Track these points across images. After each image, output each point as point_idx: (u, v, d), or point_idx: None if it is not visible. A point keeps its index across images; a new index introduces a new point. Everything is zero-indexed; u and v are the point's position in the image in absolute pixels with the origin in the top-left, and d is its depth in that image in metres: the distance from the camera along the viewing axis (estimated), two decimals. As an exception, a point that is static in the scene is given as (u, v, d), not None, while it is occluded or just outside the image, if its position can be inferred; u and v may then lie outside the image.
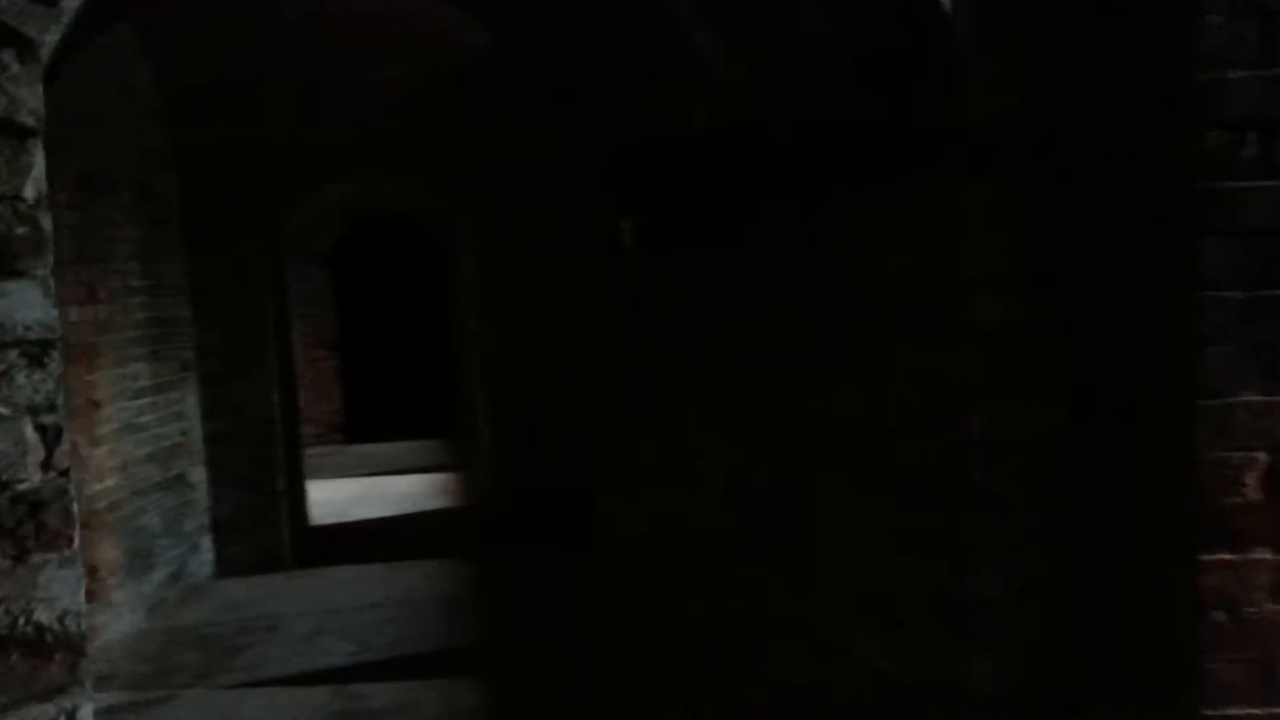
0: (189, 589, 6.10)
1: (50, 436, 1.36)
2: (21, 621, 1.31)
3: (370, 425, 11.31)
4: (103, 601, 5.09)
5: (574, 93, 3.62)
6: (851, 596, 2.92)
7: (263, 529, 6.51)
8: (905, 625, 2.68)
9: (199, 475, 6.31)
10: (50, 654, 1.33)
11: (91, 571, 5.02)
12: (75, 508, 1.39)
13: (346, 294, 11.43)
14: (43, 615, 1.33)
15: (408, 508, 8.16)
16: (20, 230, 1.32)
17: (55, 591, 1.34)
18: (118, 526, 5.34)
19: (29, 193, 1.32)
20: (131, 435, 5.56)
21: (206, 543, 6.32)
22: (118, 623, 5.23)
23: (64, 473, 1.38)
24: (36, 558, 1.33)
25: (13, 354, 1.33)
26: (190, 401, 6.26)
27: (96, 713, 4.29)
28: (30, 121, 1.32)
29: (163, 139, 6.13)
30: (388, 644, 5.22)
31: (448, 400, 11.07)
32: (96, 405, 5.19)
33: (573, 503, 6.53)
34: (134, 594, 5.47)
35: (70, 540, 1.36)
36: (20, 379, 1.34)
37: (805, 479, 3.11)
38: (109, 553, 5.22)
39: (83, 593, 1.37)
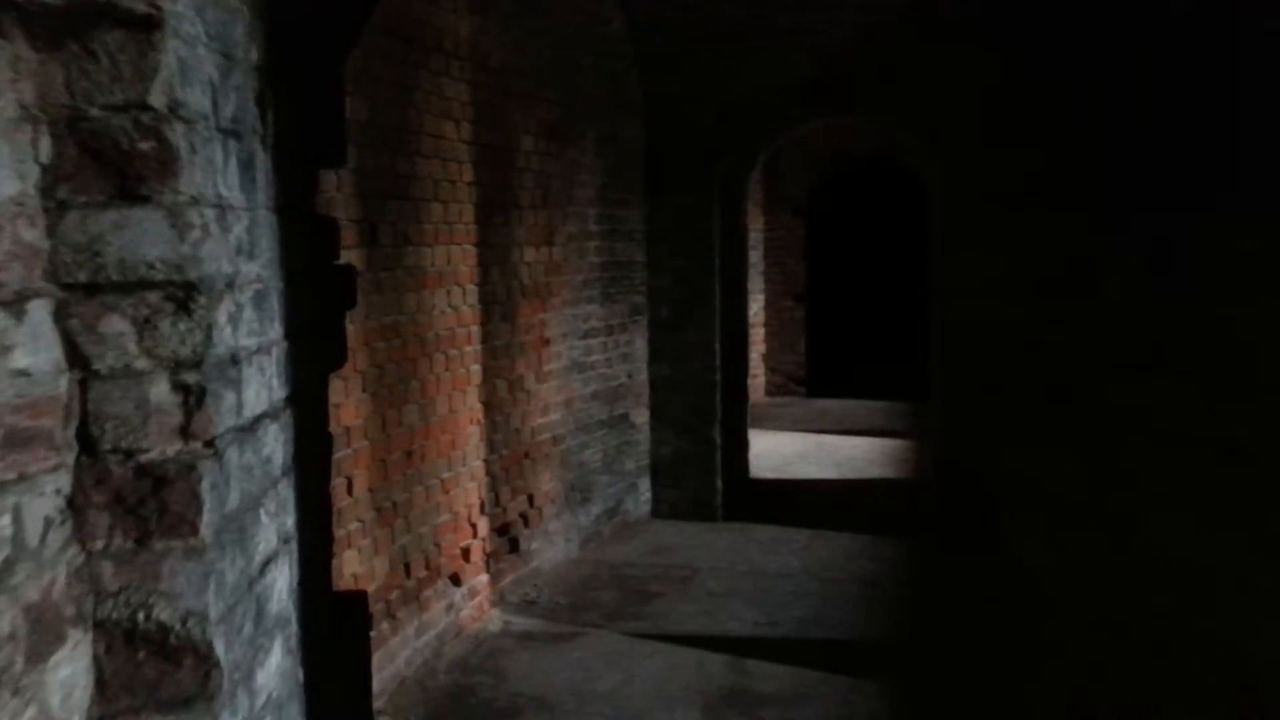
0: (623, 526, 6.31)
1: (193, 399, 1.14)
2: (142, 616, 1.12)
3: (832, 379, 11.00)
4: (538, 529, 5.40)
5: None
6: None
7: (698, 477, 6.52)
8: None
9: (642, 417, 6.46)
10: (178, 659, 1.12)
11: (530, 499, 5.34)
12: (206, 488, 1.15)
13: (820, 242, 11.14)
14: (163, 612, 1.13)
15: (848, 473, 7.71)
16: (144, 146, 1.09)
17: (178, 587, 1.12)
18: (559, 459, 5.62)
19: (157, 99, 1.08)
20: (579, 374, 5.80)
21: (645, 483, 6.48)
22: (551, 550, 5.53)
23: (209, 443, 1.14)
24: (159, 544, 1.13)
25: (155, 297, 1.12)
26: (639, 344, 6.41)
27: (518, 634, 4.47)
28: (151, 10, 1.07)
29: (632, 87, 6.24)
30: (794, 621, 4.88)
31: (915, 360, 10.35)
32: (546, 342, 5.47)
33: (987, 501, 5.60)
34: (570, 525, 5.75)
35: (195, 528, 1.13)
36: (165, 327, 1.12)
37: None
38: (548, 483, 5.51)
39: (210, 593, 1.14)
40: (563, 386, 5.64)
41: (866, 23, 5.86)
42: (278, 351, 1.53)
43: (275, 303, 1.52)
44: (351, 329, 3.75)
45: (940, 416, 6.23)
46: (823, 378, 11.12)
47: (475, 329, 4.79)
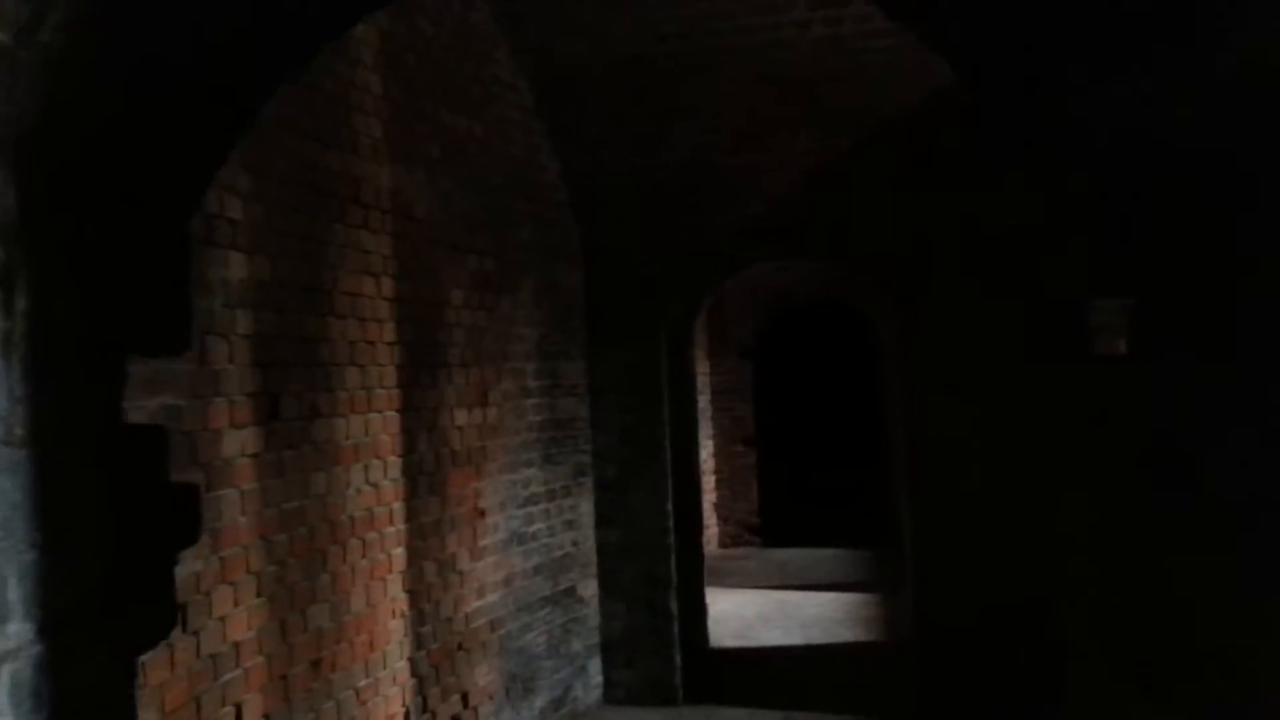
0: (571, 717, 5.59)
1: None
2: None
3: (789, 527, 10.47)
4: (474, 731, 4.70)
5: (1060, 127, 2.46)
6: None
7: (653, 653, 5.87)
8: None
9: (590, 589, 5.85)
10: None
11: (464, 698, 4.65)
12: None
13: (768, 384, 10.82)
14: None
15: (817, 635, 7.11)
16: None
17: None
18: (498, 647, 4.97)
19: None
20: (519, 546, 5.22)
21: (595, 665, 5.82)
22: (489, 755, 4.81)
23: None
24: None
25: None
26: (584, 509, 5.86)
27: None
28: None
29: (570, 233, 5.90)
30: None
31: (874, 505, 9.91)
32: (481, 514, 4.90)
33: (1024, 664, 5.07)
34: (511, 721, 5.04)
35: None
36: None
37: None
38: (485, 677, 4.84)
39: None
40: (501, 562, 5.04)
41: (812, 164, 5.65)
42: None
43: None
44: (243, 522, 3.17)
45: (918, 565, 5.72)
46: (778, 526, 10.58)
47: (398, 506, 4.22)
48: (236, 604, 3.12)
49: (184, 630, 2.83)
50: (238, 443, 3.18)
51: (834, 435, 10.60)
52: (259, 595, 3.26)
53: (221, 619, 3.03)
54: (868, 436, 10.28)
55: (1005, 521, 5.32)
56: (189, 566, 2.84)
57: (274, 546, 3.36)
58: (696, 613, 6.47)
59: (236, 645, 3.11)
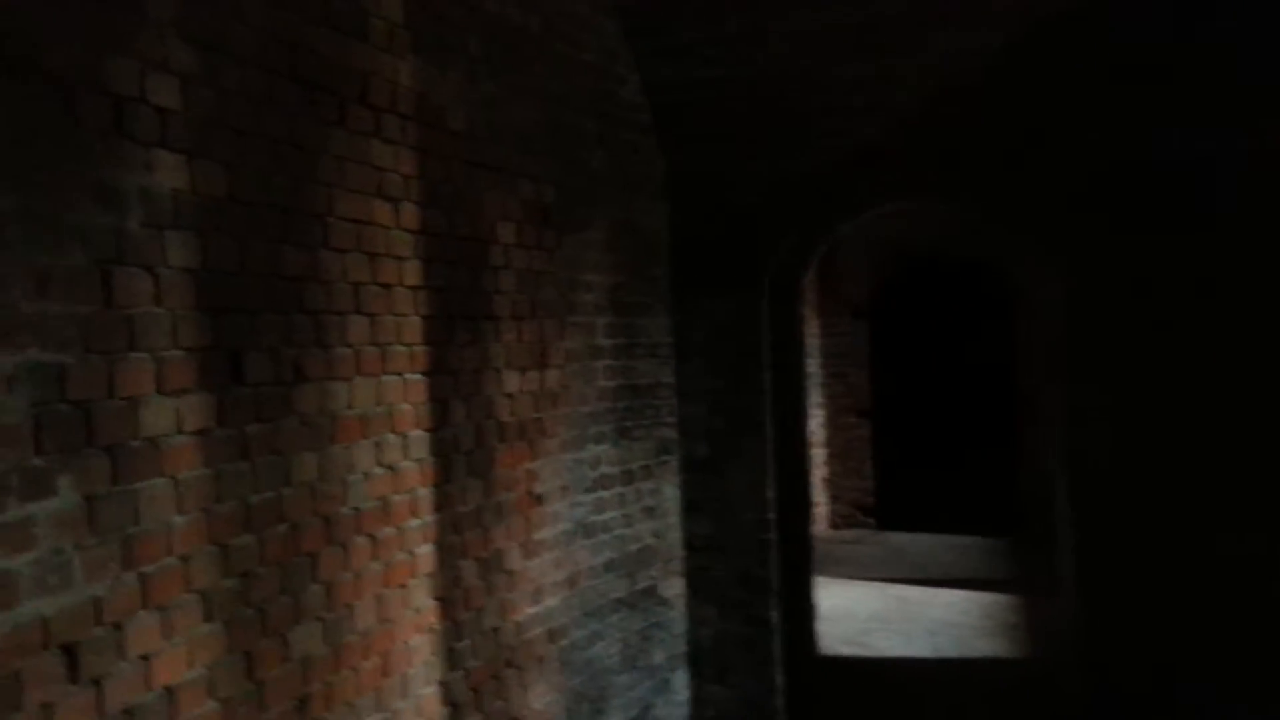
0: (651, 743, 4.68)
1: None
2: None
3: (907, 509, 9.32)
4: (527, 768, 3.82)
5: None
6: None
7: (750, 667, 4.91)
8: None
9: (675, 589, 4.91)
10: None
11: (513, 729, 3.77)
12: None
13: (887, 349, 9.63)
14: None
15: (947, 646, 6.01)
16: None
17: None
18: (559, 661, 4.07)
19: None
20: (586, 539, 4.30)
21: (680, 679, 4.88)
22: (547, 796, 3.93)
23: None
24: None
25: None
26: (667, 493, 4.90)
27: None
28: None
29: (653, 161, 4.90)
30: None
31: (1006, 487, 8.66)
32: (538, 501, 3.98)
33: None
34: (576, 750, 4.15)
35: None
36: None
37: None
38: (542, 699, 3.95)
39: None
40: (563, 559, 4.13)
41: (947, 76, 4.48)
42: None
43: None
44: (180, 523, 2.31)
45: (1078, 562, 4.56)
46: (895, 507, 9.44)
47: (425, 493, 3.34)
48: (169, 635, 2.26)
49: (72, 681, 1.98)
50: (169, 416, 2.31)
51: (959, 407, 9.35)
52: (208, 620, 2.40)
53: (143, 658, 2.18)
54: (999, 409, 9.01)
55: (1207, 522, 4.14)
56: (75, 593, 1.99)
57: (233, 554, 2.50)
58: (802, 616, 5.47)
59: (170, 691, 2.26)
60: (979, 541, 8.59)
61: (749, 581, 4.93)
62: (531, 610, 3.91)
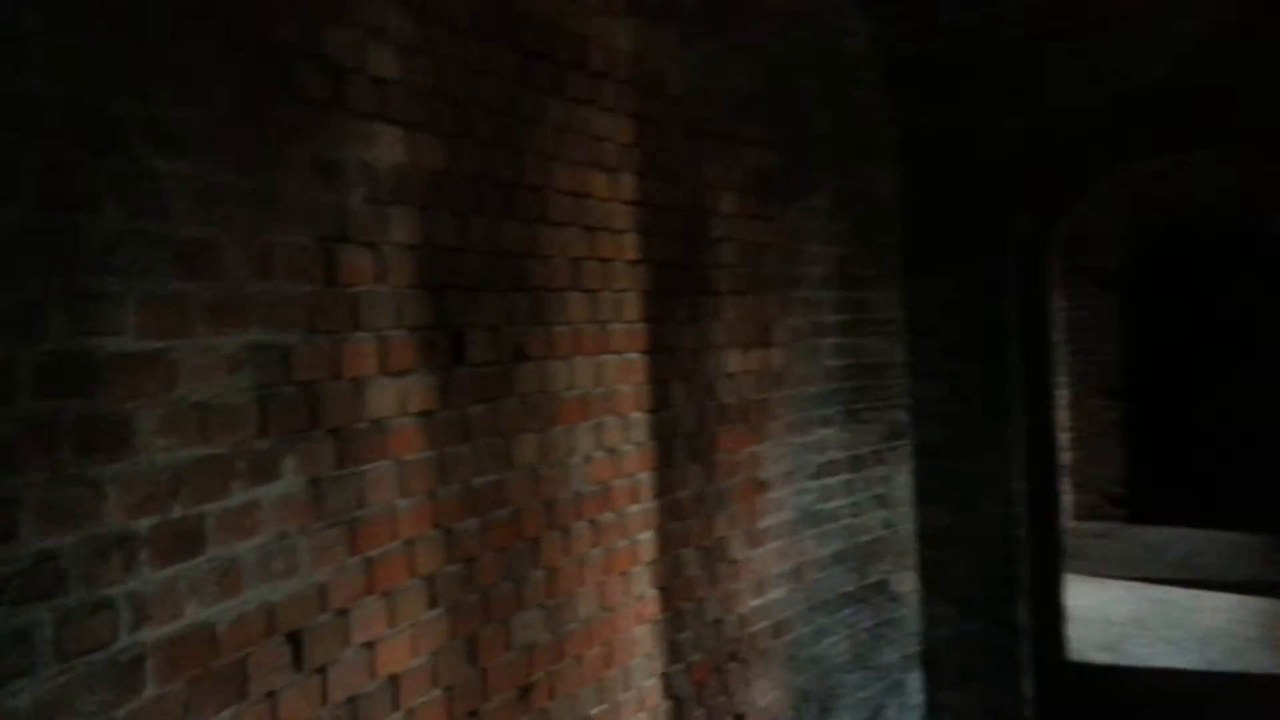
0: (883, 748, 4.36)
1: None
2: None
3: (1164, 500, 8.39)
4: (752, 769, 3.62)
5: None
6: None
7: (993, 674, 4.48)
8: None
9: (907, 584, 4.54)
10: None
11: (737, 725, 3.58)
12: None
13: (1139, 323, 8.68)
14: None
15: (1220, 658, 5.29)
16: None
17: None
18: (783, 657, 3.84)
19: None
20: (812, 528, 4.03)
21: (914, 681, 4.52)
22: (772, 799, 3.72)
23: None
24: None
25: None
26: (900, 481, 4.53)
27: None
28: None
29: (884, 122, 4.52)
30: None
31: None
32: (761, 487, 3.75)
33: None
34: (803, 752, 3.91)
35: None
36: None
37: None
38: (767, 696, 3.73)
39: None
40: (788, 549, 3.88)
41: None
42: None
43: None
44: (404, 506, 2.25)
45: None
46: (1150, 498, 8.52)
47: (645, 477, 3.18)
48: (393, 622, 2.21)
49: (297, 669, 1.95)
50: (394, 397, 2.25)
51: (1225, 387, 8.30)
52: (432, 606, 2.34)
53: (367, 645, 2.13)
54: (1268, 390, 7.92)
55: None
56: (301, 579, 1.95)
57: (457, 537, 2.42)
58: (1051, 619, 4.97)
59: (394, 680, 2.21)
60: (1255, 539, 7.59)
61: (992, 579, 4.49)
62: (755, 602, 3.70)
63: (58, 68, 1.53)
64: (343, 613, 2.06)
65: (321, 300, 2.06)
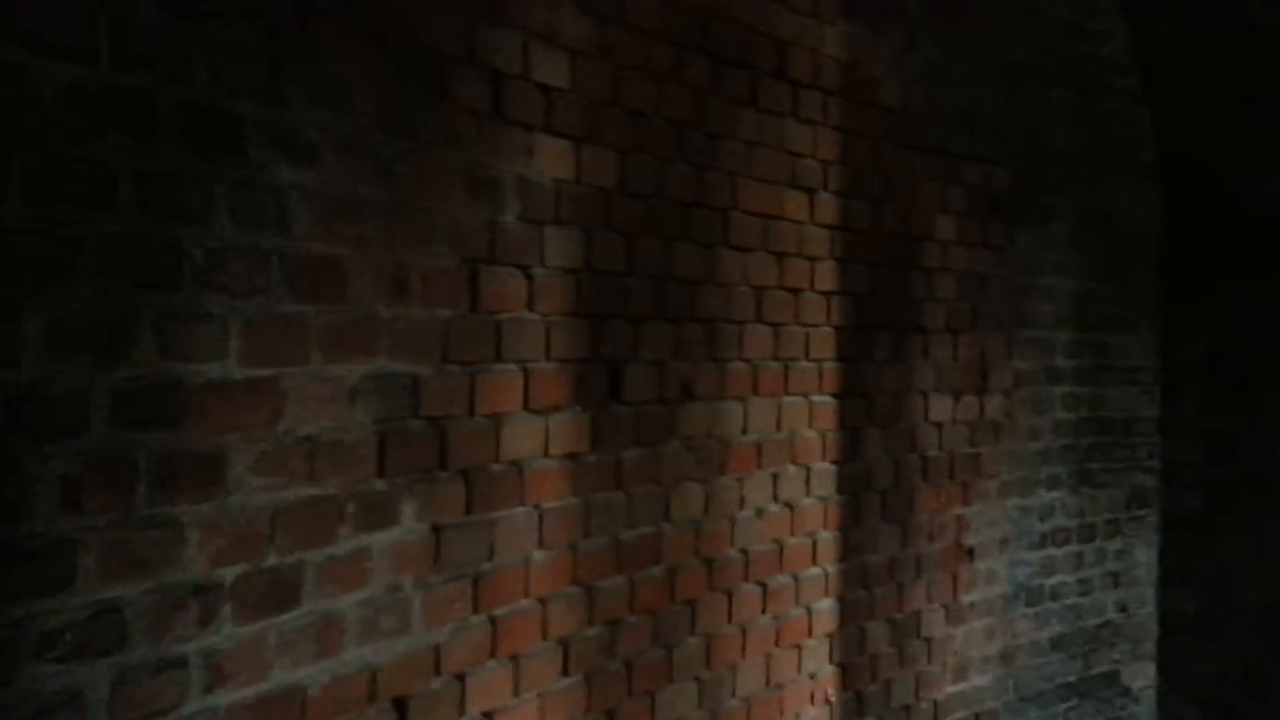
0: None
1: None
2: None
3: None
4: None
5: None
6: None
7: (1249, 797, 3.74)
8: None
9: (1144, 679, 3.88)
10: None
11: (923, 831, 3.12)
12: None
13: None
14: None
15: None
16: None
17: None
18: (985, 752, 3.33)
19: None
20: (1028, 606, 3.48)
21: (1145, 794, 3.85)
22: None
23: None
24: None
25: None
26: (1141, 556, 3.88)
27: None
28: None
29: (1139, 136, 3.90)
30: None
31: None
32: (968, 555, 3.27)
33: None
34: None
35: None
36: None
37: None
38: (963, 800, 3.24)
39: None
40: (997, 628, 3.37)
41: None
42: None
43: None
44: (541, 559, 2.02)
45: None
46: None
47: (827, 537, 2.81)
48: (518, 691, 1.97)
49: (406, 739, 1.74)
50: (536, 436, 2.02)
51: None
52: (566, 674, 2.09)
53: (486, 715, 1.90)
54: None
55: None
56: (413, 639, 1.74)
57: (600, 597, 2.17)
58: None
59: (520, 756, 1.98)
60: None
61: (1249, 681, 3.76)
62: (953, 689, 3.22)
63: (172, 63, 1.40)
64: (459, 677, 1.84)
65: (461, 327, 1.87)
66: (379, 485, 1.69)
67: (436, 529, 1.80)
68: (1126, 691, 3.83)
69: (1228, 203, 3.84)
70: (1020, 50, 3.46)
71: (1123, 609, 3.81)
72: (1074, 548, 3.64)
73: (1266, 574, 3.79)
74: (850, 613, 2.87)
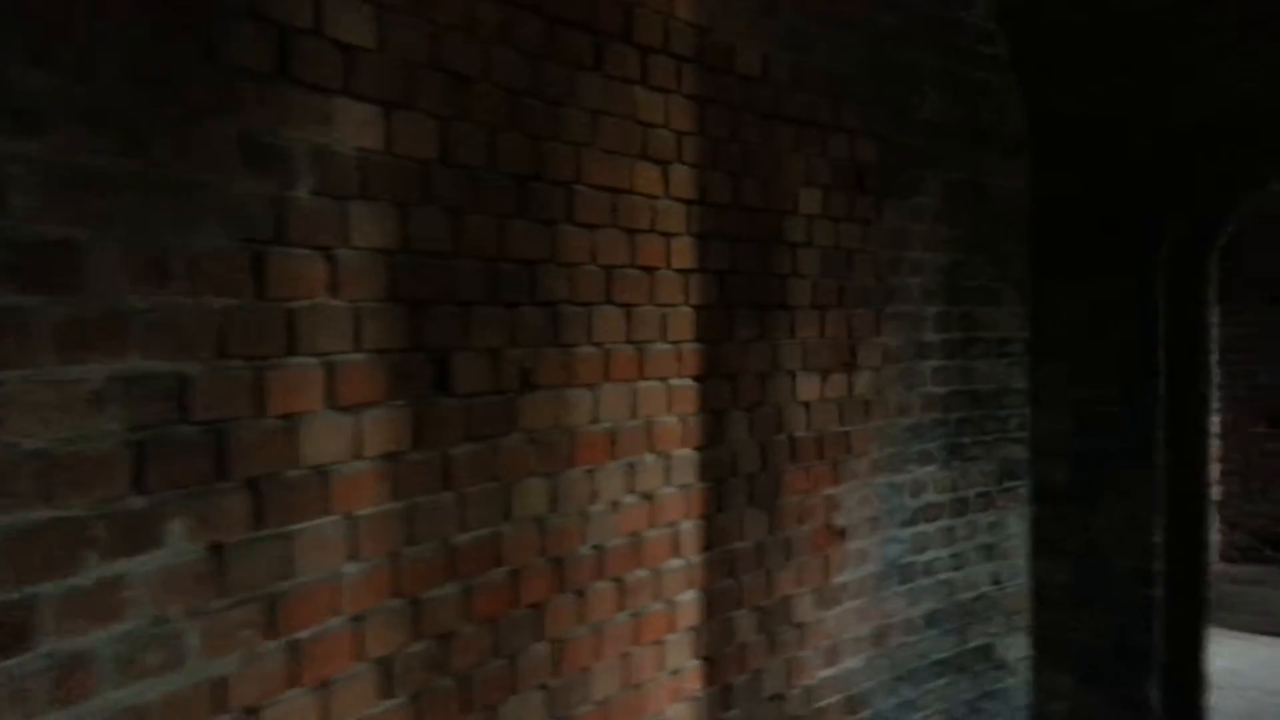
0: (979, 842, 3.74)
1: None
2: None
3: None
4: None
5: None
6: None
7: (1118, 761, 3.79)
8: None
9: (1017, 650, 3.89)
10: None
11: (796, 821, 3.04)
12: None
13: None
14: None
15: None
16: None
17: None
18: (859, 736, 3.27)
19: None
20: (902, 583, 3.43)
21: (1020, 764, 3.88)
22: None
23: None
24: None
25: None
26: (1013, 529, 3.88)
27: None
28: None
29: (1009, 105, 3.86)
30: None
31: None
32: (839, 536, 3.19)
33: None
34: None
35: None
36: None
37: None
38: (836, 784, 3.18)
39: None
40: (870, 609, 3.31)
41: None
42: None
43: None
44: (352, 574, 1.82)
45: None
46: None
47: (690, 526, 2.68)
48: (329, 719, 1.78)
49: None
50: (343, 437, 1.82)
51: None
52: (386, 696, 1.90)
53: (293, 750, 1.71)
54: None
55: None
56: (187, 675, 1.53)
57: (427, 609, 1.98)
58: (1189, 690, 4.20)
59: (332, 791, 1.78)
60: None
61: (1122, 648, 3.80)
62: (826, 673, 3.14)
63: None
64: (252, 711, 1.64)
65: (243, 318, 1.65)
66: (137, 503, 1.47)
67: (216, 548, 1.58)
68: (1002, 664, 3.84)
69: (1100, 169, 3.83)
70: (886, 15, 3.35)
71: (996, 582, 3.81)
72: (946, 522, 3.61)
73: (1136, 542, 3.84)
74: (716, 603, 2.75)
